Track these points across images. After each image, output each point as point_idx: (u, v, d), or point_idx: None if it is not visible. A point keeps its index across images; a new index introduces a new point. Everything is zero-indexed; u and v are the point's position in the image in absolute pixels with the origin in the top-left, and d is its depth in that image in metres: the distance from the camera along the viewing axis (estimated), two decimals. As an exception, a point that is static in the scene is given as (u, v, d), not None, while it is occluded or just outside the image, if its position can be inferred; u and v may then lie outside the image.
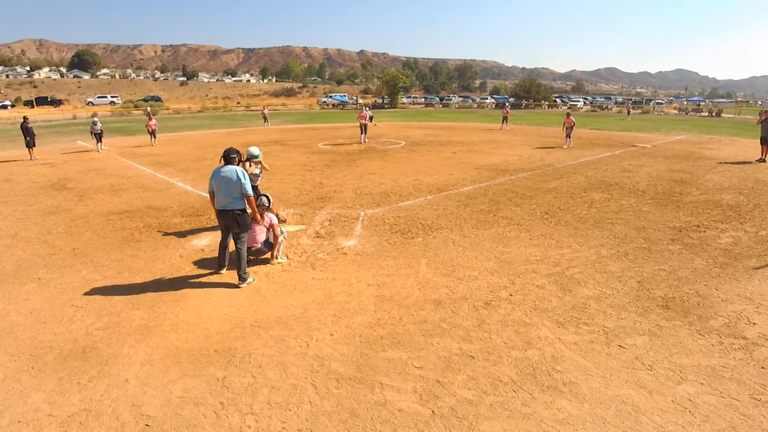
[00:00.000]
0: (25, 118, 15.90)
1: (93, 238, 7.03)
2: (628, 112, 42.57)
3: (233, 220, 5.19)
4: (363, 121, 19.41)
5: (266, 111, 30.51)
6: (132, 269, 5.76)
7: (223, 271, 5.62)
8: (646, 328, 4.22)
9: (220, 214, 5.26)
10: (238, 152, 5.38)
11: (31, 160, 15.26)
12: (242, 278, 5.23)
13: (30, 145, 15.41)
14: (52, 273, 5.66)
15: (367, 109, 21.17)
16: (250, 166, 7.00)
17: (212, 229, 7.39)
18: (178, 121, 35.45)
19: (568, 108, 54.24)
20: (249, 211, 5.36)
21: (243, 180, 5.16)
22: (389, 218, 7.95)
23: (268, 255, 5.97)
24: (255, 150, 7.10)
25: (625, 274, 5.50)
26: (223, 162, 5.28)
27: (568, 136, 18.18)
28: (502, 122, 26.98)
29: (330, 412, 3.15)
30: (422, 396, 3.30)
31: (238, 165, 5.30)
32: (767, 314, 4.48)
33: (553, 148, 17.73)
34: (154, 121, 19.89)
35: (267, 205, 6.05)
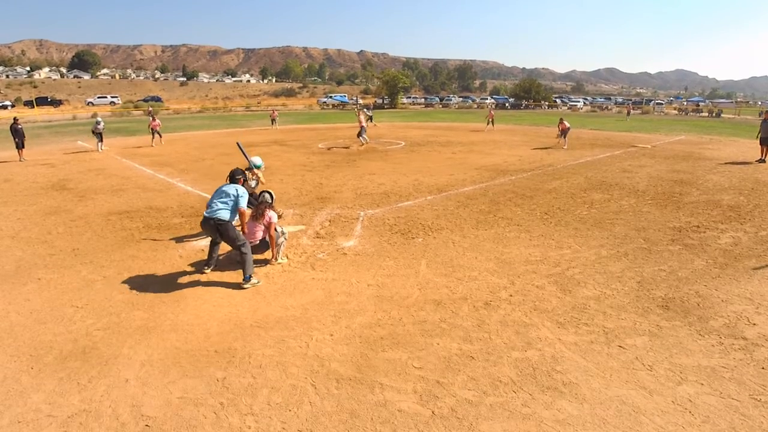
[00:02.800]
0: (15, 119, 15.72)
1: (93, 239, 7.03)
2: (628, 113, 42.18)
3: (215, 230, 5.21)
4: (362, 124, 19.04)
5: (275, 114, 30.28)
6: (132, 269, 5.76)
7: (207, 270, 5.62)
8: (646, 329, 4.22)
9: (203, 222, 5.31)
10: (243, 173, 5.77)
11: (20, 161, 15.03)
12: (247, 279, 5.20)
13: (19, 146, 15.24)
14: (52, 273, 5.65)
15: (368, 109, 20.99)
16: (251, 176, 7.00)
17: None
18: (178, 122, 35.45)
19: (567, 108, 54.30)
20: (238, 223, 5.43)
21: (240, 195, 5.34)
22: (389, 219, 7.96)
23: (267, 255, 5.97)
24: (257, 160, 7.18)
25: (625, 274, 5.50)
26: (228, 181, 5.60)
27: (564, 137, 18.21)
28: (490, 123, 26.42)
29: (330, 413, 3.15)
30: (422, 396, 3.30)
31: (242, 185, 5.61)
32: (767, 314, 4.48)
33: (552, 148, 17.73)
34: (158, 121, 20.02)
35: (270, 201, 5.98)
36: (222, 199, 5.29)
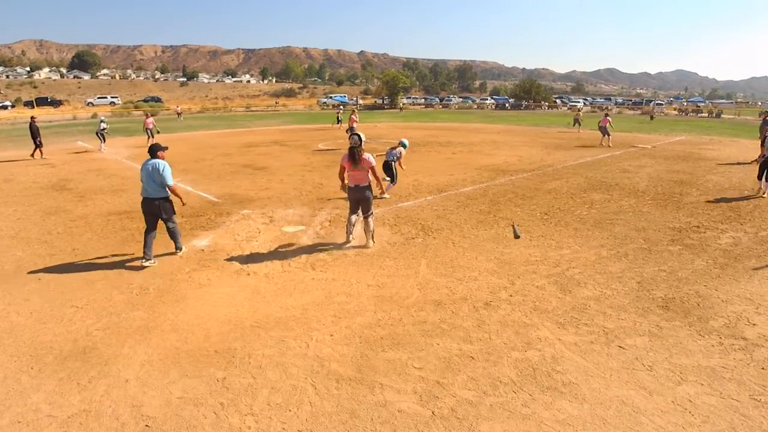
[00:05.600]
0: (32, 118, 16.13)
1: (93, 239, 7.03)
2: (652, 117, 34.81)
3: (157, 208, 5.79)
4: (351, 124, 18.40)
5: (349, 113, 29.15)
6: (132, 269, 5.76)
7: (148, 263, 5.76)
8: (646, 329, 4.22)
9: (144, 202, 5.81)
10: (164, 148, 5.99)
11: (32, 158, 15.44)
12: (179, 248, 6.16)
13: (39, 145, 15.62)
14: (52, 273, 5.65)
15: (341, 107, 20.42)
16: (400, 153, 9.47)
17: (212, 228, 7.40)
18: (178, 122, 35.46)
19: (567, 108, 53.98)
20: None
21: (163, 172, 5.71)
22: (389, 219, 7.96)
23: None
24: (405, 141, 10.13)
25: (625, 274, 5.50)
26: (149, 156, 5.85)
27: (605, 134, 18.38)
28: (575, 124, 25.96)
29: (330, 413, 3.15)
30: (422, 397, 3.30)
31: (162, 159, 5.84)
32: (767, 315, 4.48)
33: (553, 148, 17.73)
34: (151, 119, 20.09)
35: (359, 143, 5.96)
36: (153, 179, 5.71)
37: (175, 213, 6.05)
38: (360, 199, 6.20)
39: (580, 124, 25.86)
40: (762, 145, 9.38)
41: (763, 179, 9.29)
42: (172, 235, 6.07)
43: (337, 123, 27.33)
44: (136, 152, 17.58)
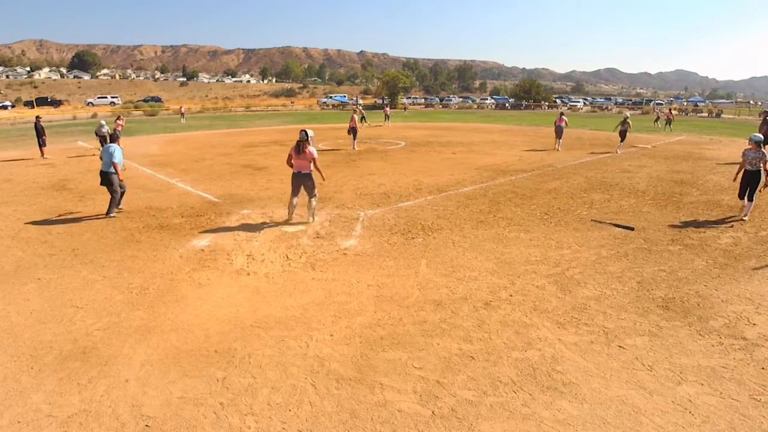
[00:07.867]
0: (37, 117, 16.34)
1: (93, 239, 7.03)
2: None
3: (106, 179, 7.98)
4: (353, 124, 18.07)
5: (388, 110, 32.67)
6: (132, 269, 5.76)
7: (115, 214, 8.14)
8: (646, 329, 4.23)
9: (101, 174, 8.02)
10: (115, 136, 8.52)
11: (38, 158, 15.66)
12: (108, 214, 8.10)
13: (43, 144, 15.80)
14: (52, 273, 5.65)
15: (360, 106, 20.46)
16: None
17: (212, 229, 7.40)
18: (178, 122, 35.46)
19: (567, 108, 53.90)
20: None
21: (112, 152, 7.98)
22: (389, 219, 7.96)
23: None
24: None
25: (625, 274, 5.50)
26: (109, 142, 8.31)
27: (559, 136, 17.46)
28: (666, 124, 25.20)
29: (330, 413, 3.15)
30: (422, 396, 3.30)
31: (116, 144, 8.19)
32: (767, 315, 4.48)
33: (553, 148, 17.72)
34: (120, 122, 19.38)
35: (306, 138, 7.16)
36: (106, 158, 7.98)
37: (117, 184, 8.11)
38: (302, 184, 7.46)
39: (669, 125, 24.82)
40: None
41: (746, 198, 7.87)
42: (111, 201, 8.15)
43: (386, 120, 30.61)
44: (136, 152, 17.57)
